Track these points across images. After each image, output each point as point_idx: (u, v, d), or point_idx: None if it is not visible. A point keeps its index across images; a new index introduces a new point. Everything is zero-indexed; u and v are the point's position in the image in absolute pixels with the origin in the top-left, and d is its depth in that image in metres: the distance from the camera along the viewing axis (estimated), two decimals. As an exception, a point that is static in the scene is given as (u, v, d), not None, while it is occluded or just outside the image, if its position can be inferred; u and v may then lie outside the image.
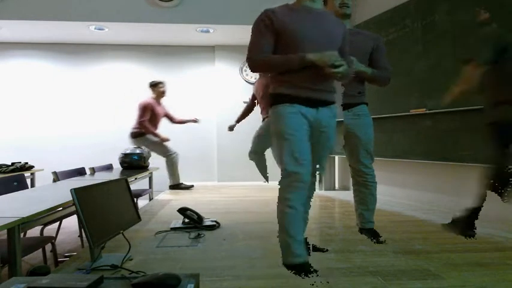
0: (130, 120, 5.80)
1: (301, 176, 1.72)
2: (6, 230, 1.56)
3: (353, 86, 2.29)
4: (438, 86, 3.16)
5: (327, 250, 2.11)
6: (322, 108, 1.83)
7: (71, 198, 1.63)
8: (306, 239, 1.96)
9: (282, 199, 1.77)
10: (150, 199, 4.34)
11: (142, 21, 4.84)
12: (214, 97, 5.97)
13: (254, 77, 5.96)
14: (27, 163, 4.55)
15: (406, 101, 3.49)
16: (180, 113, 5.09)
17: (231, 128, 4.63)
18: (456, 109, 2.97)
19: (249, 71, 5.94)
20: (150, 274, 1.24)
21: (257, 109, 4.61)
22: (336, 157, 4.92)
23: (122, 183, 2.08)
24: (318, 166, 1.92)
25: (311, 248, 2.07)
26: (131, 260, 1.93)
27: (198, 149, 5.78)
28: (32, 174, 4.61)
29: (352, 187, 2.43)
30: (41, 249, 2.31)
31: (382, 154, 3.73)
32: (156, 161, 4.75)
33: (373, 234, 2.31)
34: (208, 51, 6.02)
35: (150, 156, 4.47)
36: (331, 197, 4.24)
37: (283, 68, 1.78)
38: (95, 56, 5.85)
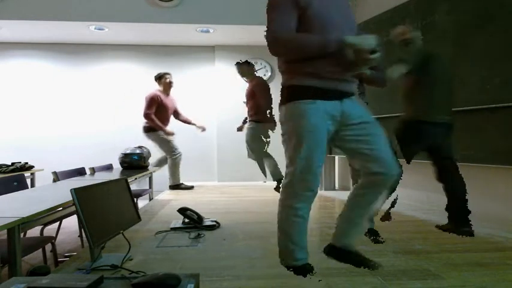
0: (130, 120, 5.83)
1: (312, 185, 1.60)
2: (6, 230, 1.56)
3: None
4: (438, 86, 3.15)
5: (384, 241, 2.23)
6: (346, 99, 1.60)
7: (71, 198, 1.63)
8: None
9: (288, 207, 1.65)
10: (150, 199, 4.34)
11: (142, 21, 4.84)
12: (214, 97, 5.97)
13: (254, 77, 5.95)
14: (27, 163, 4.55)
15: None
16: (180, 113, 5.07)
17: (239, 129, 4.72)
18: (456, 109, 2.97)
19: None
20: (150, 274, 1.24)
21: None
22: (336, 157, 4.92)
23: (122, 183, 2.08)
24: (387, 159, 1.57)
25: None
26: (131, 260, 1.93)
27: (198, 149, 5.78)
28: (32, 174, 4.61)
29: (352, 187, 2.43)
30: (41, 249, 2.31)
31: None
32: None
33: (373, 234, 2.31)
34: (208, 51, 6.02)
35: (150, 156, 4.47)
36: (331, 197, 4.24)
37: (311, 51, 1.49)
38: (95, 56, 5.85)
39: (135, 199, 2.83)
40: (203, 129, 4.93)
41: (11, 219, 1.58)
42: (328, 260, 1.95)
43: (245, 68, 4.53)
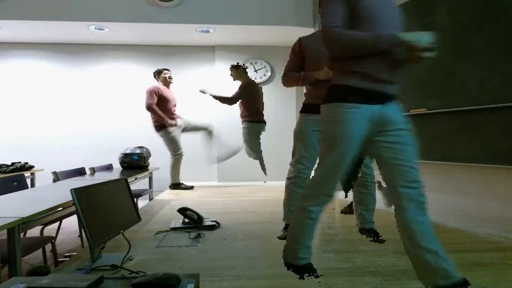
0: (130, 120, 5.84)
1: (332, 191, 1.58)
2: (6, 230, 1.56)
3: None
4: (438, 86, 3.16)
5: (384, 241, 2.24)
6: (389, 103, 1.51)
7: (71, 198, 1.63)
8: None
9: (304, 209, 1.64)
10: (150, 199, 4.34)
11: (143, 21, 4.84)
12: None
13: (254, 77, 5.96)
14: (27, 163, 4.55)
15: (406, 101, 3.49)
16: (180, 113, 5.07)
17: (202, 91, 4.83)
18: (456, 109, 2.97)
19: (249, 70, 5.94)
20: (150, 274, 1.24)
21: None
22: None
23: (122, 183, 2.08)
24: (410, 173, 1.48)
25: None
26: (131, 260, 1.93)
27: (198, 149, 5.78)
28: (32, 174, 4.61)
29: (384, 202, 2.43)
30: (41, 249, 2.31)
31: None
32: (156, 161, 4.76)
33: (373, 234, 2.31)
34: (208, 51, 6.01)
35: (150, 156, 4.47)
36: (331, 197, 4.24)
37: (364, 49, 1.42)
38: (95, 56, 5.85)
39: (135, 199, 2.83)
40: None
41: (11, 219, 1.58)
42: (328, 260, 1.95)
43: (235, 71, 4.78)
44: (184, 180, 4.90)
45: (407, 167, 1.48)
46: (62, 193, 2.27)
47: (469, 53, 2.90)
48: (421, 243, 1.41)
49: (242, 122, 4.75)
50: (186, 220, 2.67)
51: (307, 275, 1.67)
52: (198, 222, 2.64)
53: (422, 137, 3.35)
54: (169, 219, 2.90)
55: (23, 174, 3.43)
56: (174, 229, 2.60)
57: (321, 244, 2.18)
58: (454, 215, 2.46)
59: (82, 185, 1.72)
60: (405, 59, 1.44)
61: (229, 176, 5.79)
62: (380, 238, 2.28)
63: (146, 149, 4.46)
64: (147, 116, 5.14)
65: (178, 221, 2.75)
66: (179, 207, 2.73)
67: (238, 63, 4.86)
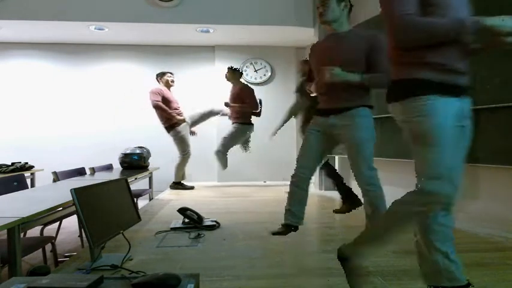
0: (130, 120, 5.84)
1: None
2: (6, 230, 1.56)
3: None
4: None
5: None
6: (465, 95, 1.40)
7: (71, 198, 1.63)
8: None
9: (412, 214, 1.39)
10: (150, 199, 4.34)
11: (142, 21, 4.84)
12: (214, 97, 5.97)
13: (254, 77, 5.96)
14: (27, 163, 4.55)
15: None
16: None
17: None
18: (456, 109, 2.97)
19: (249, 70, 5.95)
20: (150, 274, 1.24)
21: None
22: (336, 157, 4.92)
23: (122, 183, 2.08)
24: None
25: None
26: (131, 260, 1.93)
27: (198, 149, 5.77)
28: (32, 174, 4.61)
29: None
30: (41, 249, 2.31)
31: (383, 154, 3.73)
32: (156, 161, 4.75)
33: None
34: (208, 51, 6.01)
35: (150, 156, 4.48)
36: (331, 197, 4.23)
37: (440, 36, 1.30)
38: (95, 56, 5.85)
39: (135, 199, 2.83)
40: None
41: (11, 219, 1.58)
42: (328, 260, 1.95)
43: (233, 74, 4.90)
44: (184, 180, 4.91)
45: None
46: (62, 193, 2.27)
47: (469, 53, 2.90)
48: (435, 242, 1.39)
49: (233, 122, 4.89)
50: (186, 220, 2.67)
51: None
52: (198, 222, 2.64)
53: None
54: (169, 219, 2.90)
55: (23, 174, 3.44)
56: (174, 229, 2.60)
57: (321, 244, 2.18)
58: (454, 215, 2.47)
59: (82, 185, 1.72)
60: (482, 47, 1.34)
61: (229, 176, 5.78)
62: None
63: (146, 149, 4.46)
64: (147, 116, 5.15)
65: (178, 221, 2.75)
66: (179, 207, 2.73)
67: (237, 68, 5.01)
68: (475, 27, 1.27)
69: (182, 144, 4.76)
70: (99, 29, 5.10)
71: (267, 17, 4.94)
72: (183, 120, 4.77)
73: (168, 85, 4.76)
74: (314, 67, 2.39)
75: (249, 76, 5.92)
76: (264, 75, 5.97)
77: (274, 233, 2.35)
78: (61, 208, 2.05)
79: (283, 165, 5.38)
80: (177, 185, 4.80)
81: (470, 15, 1.41)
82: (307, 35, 5.21)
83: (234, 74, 4.90)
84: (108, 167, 4.46)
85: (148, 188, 4.48)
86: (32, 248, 2.00)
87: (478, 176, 2.96)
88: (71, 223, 3.32)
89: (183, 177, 4.91)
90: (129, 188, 2.11)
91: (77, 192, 1.63)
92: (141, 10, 4.80)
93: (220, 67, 5.92)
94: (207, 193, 4.50)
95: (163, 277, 1.19)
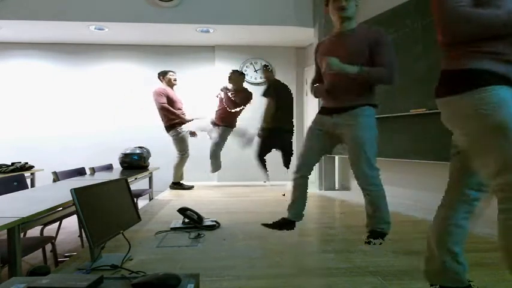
0: (130, 120, 5.84)
1: None
2: (6, 230, 1.56)
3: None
4: (438, 86, 3.16)
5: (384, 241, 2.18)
6: None
7: (71, 198, 1.63)
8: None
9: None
10: (150, 199, 4.34)
11: (142, 21, 4.84)
12: (214, 97, 5.96)
13: (254, 77, 5.96)
14: (27, 163, 4.55)
15: (406, 100, 3.49)
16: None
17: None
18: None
19: (249, 70, 5.95)
20: (150, 274, 1.24)
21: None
22: (336, 157, 4.92)
23: (122, 183, 2.08)
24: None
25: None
26: (131, 260, 1.93)
27: (198, 149, 5.78)
28: (32, 174, 4.61)
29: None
30: (41, 249, 2.31)
31: (383, 154, 3.73)
32: (156, 161, 4.75)
33: (371, 236, 2.27)
34: (208, 51, 6.01)
35: (150, 156, 4.47)
36: (331, 197, 4.24)
37: (504, 29, 1.23)
38: (95, 56, 5.85)
39: (135, 199, 2.83)
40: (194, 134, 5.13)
41: (11, 219, 1.58)
42: (328, 260, 1.95)
43: (238, 78, 4.97)
44: (184, 180, 4.91)
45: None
46: (62, 193, 2.27)
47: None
48: (448, 244, 1.38)
49: (220, 124, 4.98)
50: (186, 220, 2.67)
51: None
52: (198, 222, 2.64)
53: (423, 137, 3.35)
54: (169, 219, 2.90)
55: (23, 174, 3.43)
56: (174, 229, 2.60)
57: (321, 244, 2.18)
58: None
59: (82, 185, 1.72)
60: None
61: (229, 176, 5.78)
62: (371, 240, 2.23)
63: (146, 149, 4.46)
64: (147, 116, 5.16)
65: (178, 221, 2.75)
66: (179, 207, 2.73)
67: (243, 72, 5.17)
68: None
69: (182, 144, 4.74)
70: (99, 29, 5.10)
71: (267, 17, 4.94)
72: (191, 120, 4.78)
73: (170, 84, 4.72)
74: (320, 65, 2.37)
75: (249, 76, 5.91)
76: (264, 75, 5.97)
77: (267, 225, 2.53)
78: (61, 208, 2.05)
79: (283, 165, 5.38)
80: (176, 185, 4.80)
81: None
82: (307, 35, 5.21)
83: (239, 78, 4.93)
84: (108, 167, 4.46)
85: (148, 188, 4.48)
86: (32, 248, 2.00)
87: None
88: (71, 223, 3.32)
89: (181, 178, 4.91)
90: (129, 188, 2.11)
91: (77, 192, 1.63)
92: (141, 10, 4.80)
93: (220, 67, 5.92)
94: (206, 193, 4.50)
95: (163, 277, 1.19)
